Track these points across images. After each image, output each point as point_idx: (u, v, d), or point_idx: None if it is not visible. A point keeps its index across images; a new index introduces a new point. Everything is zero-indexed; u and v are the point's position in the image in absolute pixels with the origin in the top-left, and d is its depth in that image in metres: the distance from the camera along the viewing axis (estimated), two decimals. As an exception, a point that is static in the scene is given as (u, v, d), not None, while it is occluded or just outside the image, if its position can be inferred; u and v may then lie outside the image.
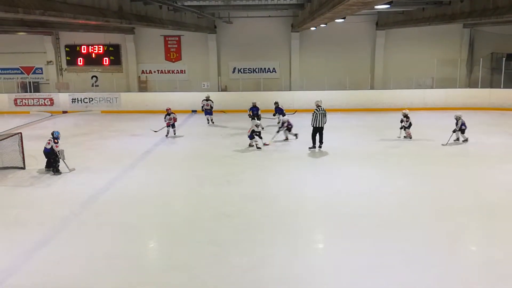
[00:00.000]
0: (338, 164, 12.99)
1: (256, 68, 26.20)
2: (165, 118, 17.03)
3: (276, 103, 18.68)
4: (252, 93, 23.49)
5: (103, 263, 7.32)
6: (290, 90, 24.84)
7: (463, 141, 15.00)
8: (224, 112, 19.42)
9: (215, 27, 25.38)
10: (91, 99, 23.91)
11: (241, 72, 26.12)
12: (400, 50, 24.93)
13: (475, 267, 7.04)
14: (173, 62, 26.29)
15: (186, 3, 15.89)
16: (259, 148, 14.73)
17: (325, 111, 14.54)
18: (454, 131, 14.85)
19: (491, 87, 23.29)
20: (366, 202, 9.78)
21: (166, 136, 16.93)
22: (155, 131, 17.21)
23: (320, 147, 14.59)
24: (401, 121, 15.57)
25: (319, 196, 10.25)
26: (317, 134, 14.54)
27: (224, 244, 7.87)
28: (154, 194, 10.65)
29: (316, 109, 14.48)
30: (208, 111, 19.95)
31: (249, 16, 24.27)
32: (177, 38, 25.94)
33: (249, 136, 14.87)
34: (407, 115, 15.47)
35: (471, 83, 24.35)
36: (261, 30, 25.36)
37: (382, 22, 24.31)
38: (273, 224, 8.73)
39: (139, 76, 26.33)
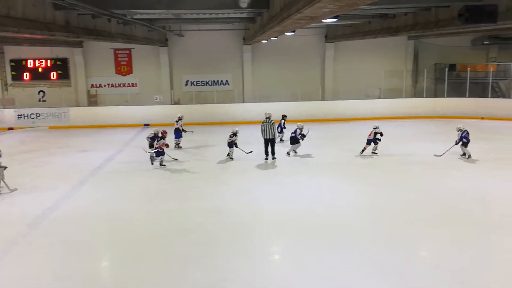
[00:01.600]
0: (295, 175, 13.13)
1: (209, 81, 26.21)
2: (156, 141, 14.21)
3: (284, 116, 18.42)
4: (205, 106, 23.50)
5: (54, 284, 7.07)
6: (243, 102, 24.97)
7: (462, 155, 14.47)
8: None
9: (167, 40, 25.23)
10: (38, 115, 23.08)
11: (194, 85, 26.04)
12: (349, 61, 25.66)
13: (432, 274, 7.28)
14: (124, 75, 25.87)
15: (136, 17, 15.72)
16: (232, 158, 14.90)
17: (273, 122, 14.70)
18: (456, 143, 14.38)
19: (435, 96, 24.38)
20: (324, 213, 9.94)
21: (152, 163, 14.34)
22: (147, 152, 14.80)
23: (273, 158, 14.73)
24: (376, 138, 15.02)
25: (278, 208, 10.31)
26: (269, 146, 14.71)
27: (183, 260, 7.76)
28: (106, 210, 10.39)
29: (264, 121, 14.69)
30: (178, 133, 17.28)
31: (201, 29, 24.27)
32: (127, 51, 25.57)
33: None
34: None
35: (416, 93, 25.34)
36: (213, 43, 25.43)
37: (331, 35, 24.97)
38: (233, 237, 8.70)
39: (89, 90, 25.71)
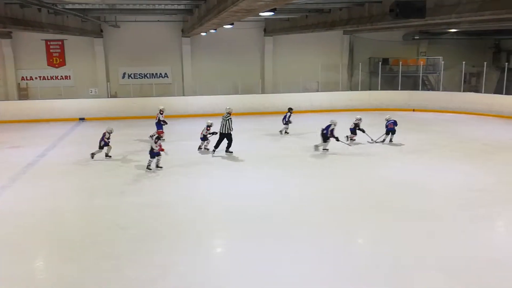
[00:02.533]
0: (236, 168, 13.21)
1: (147, 73, 25.71)
2: (156, 142, 12.79)
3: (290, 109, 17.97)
4: (144, 99, 23.04)
5: (-16, 289, 6.71)
6: (183, 95, 24.71)
7: (383, 141, 15.87)
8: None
9: (102, 31, 24.44)
10: (-38, 109, 21.70)
11: (132, 78, 25.46)
12: (288, 55, 26.04)
13: (364, 260, 7.58)
14: (57, 67, 24.83)
15: (67, 6, 15.10)
16: (207, 149, 14.96)
17: (230, 117, 14.48)
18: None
19: (370, 89, 25.28)
20: (265, 204, 10.06)
21: (149, 168, 12.90)
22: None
23: (230, 152, 14.64)
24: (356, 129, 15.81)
25: (219, 201, 10.33)
26: (222, 141, 14.60)
27: (120, 257, 7.59)
28: (40, 208, 9.97)
29: (223, 116, 14.55)
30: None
31: (137, 21, 23.73)
32: (60, 43, 24.55)
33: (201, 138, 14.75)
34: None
35: (352, 86, 26.16)
36: (151, 34, 24.93)
37: (270, 28, 25.20)
38: (173, 232, 8.61)
39: (19, 83, 24.46)
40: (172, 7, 16.51)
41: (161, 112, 16.74)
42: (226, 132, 14.48)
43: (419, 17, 12.00)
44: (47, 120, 21.61)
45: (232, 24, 14.49)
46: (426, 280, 6.91)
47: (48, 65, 24.73)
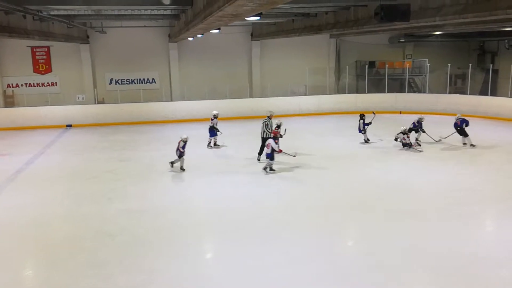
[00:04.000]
0: (224, 172, 13.17)
1: (134, 79, 25.62)
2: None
3: None
4: (131, 105, 22.95)
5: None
6: (171, 100, 24.66)
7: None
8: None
9: (88, 37, 24.33)
10: None
11: (119, 84, 25.35)
12: (275, 59, 26.11)
13: (349, 260, 7.62)
14: (43, 74, 24.66)
15: (52, 13, 15.00)
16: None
17: (269, 121, 14.12)
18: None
19: (357, 92, 25.43)
20: (252, 207, 10.08)
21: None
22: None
23: (258, 159, 14.20)
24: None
25: (206, 205, 10.33)
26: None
27: (106, 264, 7.55)
28: (27, 216, 9.87)
29: (264, 119, 14.18)
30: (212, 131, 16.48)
31: (124, 26, 23.65)
32: (46, 49, 24.39)
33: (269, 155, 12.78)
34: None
35: (339, 89, 26.29)
36: (138, 40, 24.87)
37: (257, 33, 25.27)
38: (160, 238, 8.57)
39: (5, 91, 24.24)
40: (159, 12, 16.48)
41: (213, 118, 16.30)
42: (267, 136, 13.80)
43: (404, 20, 12.09)
44: (34, 128, 21.43)
45: (218, 29, 14.51)
46: (412, 279, 6.97)
47: (34, 71, 24.55)
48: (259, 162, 13.81)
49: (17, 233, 9.02)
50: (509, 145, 15.74)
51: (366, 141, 16.47)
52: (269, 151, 12.63)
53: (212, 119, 16.33)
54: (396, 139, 15.49)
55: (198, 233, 8.94)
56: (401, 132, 15.26)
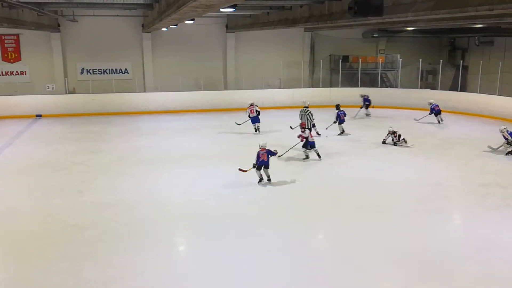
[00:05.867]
0: (196, 166, 13.11)
1: (107, 69, 25.12)
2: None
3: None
4: (103, 95, 22.57)
5: None
6: (144, 91, 24.34)
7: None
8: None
9: (59, 25, 23.73)
10: None
11: (91, 73, 24.81)
12: (250, 52, 25.99)
13: (321, 254, 7.72)
14: (12, 63, 23.92)
15: (22, 0, 14.58)
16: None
17: (309, 111, 15.06)
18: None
19: (331, 86, 25.60)
20: (225, 202, 10.09)
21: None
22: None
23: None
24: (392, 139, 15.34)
25: (179, 199, 10.28)
26: None
27: (76, 258, 7.45)
28: (-7, 210, 9.65)
29: (300, 110, 15.14)
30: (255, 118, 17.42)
31: (96, 15, 23.15)
32: (15, 37, 23.64)
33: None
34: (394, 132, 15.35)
35: (313, 83, 26.40)
36: (111, 29, 24.38)
37: (232, 24, 25.10)
38: (131, 232, 8.50)
39: (-29, 79, 23.49)
40: (132, 1, 16.21)
41: (253, 105, 17.41)
42: (307, 126, 14.60)
43: (377, 15, 12.15)
44: (2, 117, 20.86)
45: (193, 19, 14.35)
46: (379, 273, 7.13)
47: (3, 60, 23.79)
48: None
49: (-17, 227, 8.80)
50: (477, 140, 16.12)
51: (341, 132, 16.86)
52: (313, 139, 13.40)
53: (252, 108, 17.41)
54: (384, 142, 15.45)
55: (170, 228, 8.90)
56: (389, 133, 15.36)
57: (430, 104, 19.29)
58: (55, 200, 10.28)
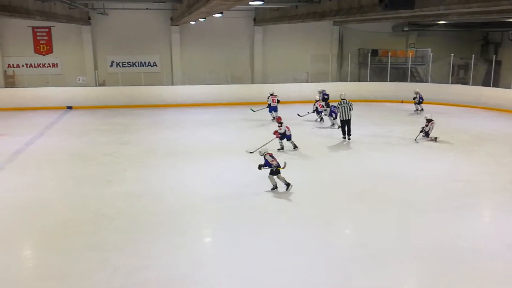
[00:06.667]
0: (224, 158, 13.17)
1: (135, 62, 25.44)
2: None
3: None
4: (132, 88, 22.88)
5: (-33, 279, 6.68)
6: (172, 84, 24.56)
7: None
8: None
9: (89, 18, 24.13)
10: None
11: (120, 66, 25.17)
12: (277, 45, 25.90)
13: (344, 249, 7.66)
14: (44, 55, 24.48)
15: (55, -7, 14.93)
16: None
17: (350, 103, 14.97)
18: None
19: (359, 80, 25.30)
20: (249, 194, 10.10)
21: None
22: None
23: (349, 138, 15.00)
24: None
25: (204, 191, 10.33)
26: (345, 126, 15.02)
27: (104, 247, 7.59)
28: (25, 197, 9.90)
29: (340, 103, 14.92)
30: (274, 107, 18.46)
31: (126, 8, 23.44)
32: (47, 30, 24.17)
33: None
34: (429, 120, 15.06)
35: (341, 77, 26.14)
36: (140, 22, 24.65)
37: (259, 18, 25.04)
38: (158, 223, 8.60)
39: (5, 71, 24.11)
40: (161, -5, 16.37)
41: (274, 95, 18.27)
42: (347, 118, 14.81)
43: (408, 9, 11.96)
44: (34, 109, 21.40)
45: (221, 13, 14.39)
46: (404, 268, 7.04)
47: (35, 52, 24.37)
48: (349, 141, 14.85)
49: (16, 215, 9.05)
50: (509, 136, 15.71)
51: (333, 124, 17.10)
52: (290, 133, 13.65)
53: (274, 97, 18.24)
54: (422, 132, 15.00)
55: (196, 219, 8.96)
56: (423, 129, 15.01)
57: (417, 93, 20.13)
58: (85, 189, 10.50)
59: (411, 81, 25.03)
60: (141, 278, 6.66)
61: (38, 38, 24.29)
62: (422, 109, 20.36)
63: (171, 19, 24.40)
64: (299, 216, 8.95)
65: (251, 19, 25.53)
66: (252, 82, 25.10)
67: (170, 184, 10.89)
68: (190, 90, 23.27)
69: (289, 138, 13.71)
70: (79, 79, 23.51)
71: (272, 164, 10.06)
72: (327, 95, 20.17)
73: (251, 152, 12.58)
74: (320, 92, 19.91)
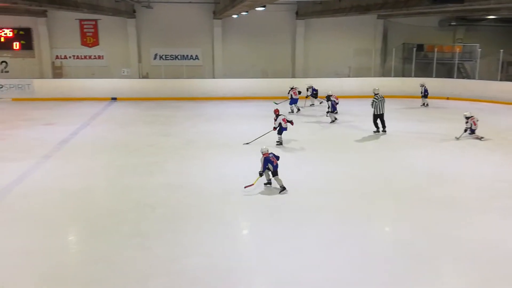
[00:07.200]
0: (259, 152, 13.13)
1: (178, 55, 25.78)
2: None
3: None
4: (174, 81, 23.22)
5: (20, 259, 6.95)
6: (213, 77, 24.76)
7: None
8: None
9: (134, 11, 24.61)
10: (0, 86, 22.33)
11: (163, 59, 25.58)
12: (319, 39, 25.65)
13: (385, 246, 7.52)
14: (90, 47, 25.17)
15: (102, -14, 15.31)
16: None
17: (383, 97, 15.19)
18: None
19: (403, 76, 24.73)
20: (289, 187, 10.03)
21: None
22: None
23: (384, 131, 15.23)
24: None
25: (246, 183, 10.34)
26: (378, 120, 15.24)
27: (147, 235, 7.75)
28: (72, 185, 10.22)
29: (376, 97, 15.07)
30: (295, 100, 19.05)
31: (170, 2, 23.78)
32: (93, 22, 24.83)
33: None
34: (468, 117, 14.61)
35: (384, 72, 25.64)
36: (183, 16, 24.96)
37: (302, 11, 24.85)
38: (199, 213, 8.70)
39: (53, 62, 24.96)
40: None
41: (295, 89, 18.88)
42: (381, 112, 15.06)
43: (457, 2, 11.66)
44: (80, 99, 22.05)
45: (264, 6, 14.36)
46: (445, 268, 6.87)
47: (82, 44, 25.10)
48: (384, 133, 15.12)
49: (62, 202, 9.35)
50: (561, 137, 15.01)
51: (333, 120, 17.03)
52: (286, 125, 13.51)
53: (295, 90, 18.85)
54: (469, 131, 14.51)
55: (235, 211, 9.01)
56: (468, 128, 14.52)
57: (422, 85, 20.50)
58: (128, 179, 10.74)
59: (458, 77, 24.27)
60: (181, 266, 6.75)
61: (85, 30, 24.99)
62: (427, 104, 20.58)
63: (214, 12, 24.58)
64: (340, 211, 8.83)
65: (293, 13, 25.38)
66: (293, 76, 24.98)
67: (210, 176, 10.98)
68: (230, 83, 23.39)
69: (285, 130, 13.61)
70: (123, 71, 24.05)
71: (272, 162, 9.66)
72: (316, 90, 20.26)
73: (247, 143, 12.72)
74: (308, 88, 20.08)
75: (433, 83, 23.20)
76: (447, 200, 9.44)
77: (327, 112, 16.96)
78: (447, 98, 22.56)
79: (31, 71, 23.89)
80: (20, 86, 22.37)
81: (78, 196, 9.64)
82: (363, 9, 17.45)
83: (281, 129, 13.46)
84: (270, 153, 9.81)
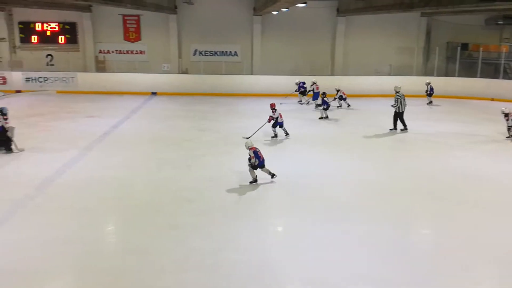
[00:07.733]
0: (298, 149, 13.15)
1: (217, 51, 25.95)
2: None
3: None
4: (213, 76, 23.39)
5: (59, 247, 7.17)
6: (252, 74, 24.80)
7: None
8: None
9: (176, 7, 24.93)
10: (46, 79, 23.11)
11: (202, 55, 25.82)
12: (360, 37, 25.26)
13: (414, 246, 7.38)
14: (132, 42, 25.69)
15: (145, -18, 15.59)
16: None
17: (404, 96, 15.16)
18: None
19: (446, 75, 24.04)
20: (320, 185, 10.01)
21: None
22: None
23: (406, 129, 15.26)
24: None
25: (281, 181, 10.33)
26: (398, 118, 15.22)
27: (183, 228, 7.85)
28: (111, 177, 10.48)
29: (398, 95, 15.06)
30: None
31: (212, -2, 23.99)
32: (136, 18, 25.31)
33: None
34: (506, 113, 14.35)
35: (427, 71, 25.01)
36: (223, 12, 25.10)
37: (343, 8, 24.54)
38: (236, 208, 8.78)
39: (97, 56, 25.60)
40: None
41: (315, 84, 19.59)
42: (403, 110, 15.09)
43: (505, 0, 11.23)
44: (122, 93, 22.54)
45: (305, 3, 14.26)
46: (482, 273, 6.71)
47: (125, 39, 25.63)
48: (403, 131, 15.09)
49: (102, 193, 9.59)
50: None
51: (323, 117, 17.15)
52: (282, 120, 14.05)
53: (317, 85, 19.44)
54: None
55: (272, 207, 9.04)
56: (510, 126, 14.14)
57: (427, 84, 20.68)
58: (166, 172, 10.92)
59: (504, 78, 23.41)
60: (216, 259, 6.81)
61: (127, 25, 25.51)
62: (431, 102, 20.56)
63: (254, 9, 24.60)
64: (374, 212, 8.69)
65: (334, 10, 25.10)
66: (332, 74, 24.72)
67: (246, 171, 10.98)
68: (269, 80, 23.37)
69: (281, 125, 14.05)
70: (163, 66, 24.40)
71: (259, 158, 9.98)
72: (304, 87, 20.26)
73: (247, 138, 12.64)
74: (297, 84, 20.23)
75: (478, 84, 22.54)
76: (485, 203, 9.18)
77: (323, 107, 17.28)
78: (492, 99, 21.81)
79: (75, 65, 24.60)
80: (64, 79, 23.10)
81: (117, 187, 9.87)
82: (406, 6, 17.08)
83: (276, 123, 13.93)
84: (256, 148, 10.11)
